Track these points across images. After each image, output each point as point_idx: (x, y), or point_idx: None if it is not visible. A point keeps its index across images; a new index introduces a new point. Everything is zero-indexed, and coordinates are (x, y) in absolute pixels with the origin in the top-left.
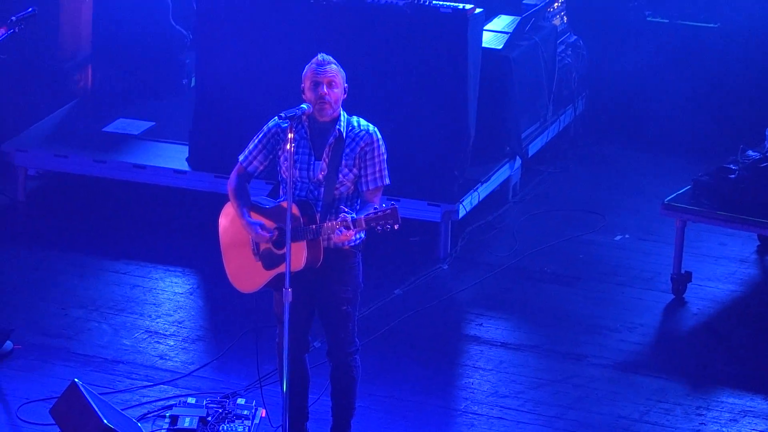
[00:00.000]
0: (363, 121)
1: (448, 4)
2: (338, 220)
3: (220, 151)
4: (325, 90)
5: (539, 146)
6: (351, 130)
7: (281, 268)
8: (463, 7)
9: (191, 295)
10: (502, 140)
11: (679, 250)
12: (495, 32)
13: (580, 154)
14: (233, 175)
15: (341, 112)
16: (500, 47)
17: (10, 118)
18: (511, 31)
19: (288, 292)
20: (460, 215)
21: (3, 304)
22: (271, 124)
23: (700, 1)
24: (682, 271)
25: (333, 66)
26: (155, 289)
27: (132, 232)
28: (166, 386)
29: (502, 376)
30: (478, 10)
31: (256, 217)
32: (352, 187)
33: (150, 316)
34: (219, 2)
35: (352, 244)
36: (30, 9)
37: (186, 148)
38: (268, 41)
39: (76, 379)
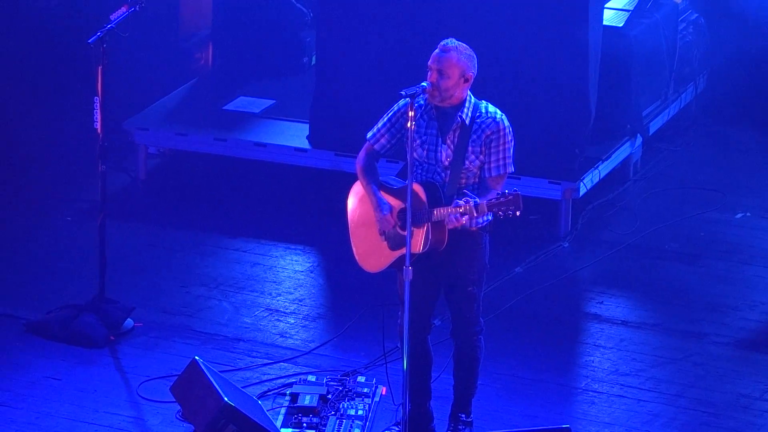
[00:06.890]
0: (491, 107)
1: None
2: (459, 205)
3: (341, 129)
4: (435, 77)
5: (660, 124)
6: (478, 116)
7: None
8: None
9: (311, 273)
10: (622, 118)
11: None
12: (616, 10)
13: (700, 132)
14: (362, 154)
15: (468, 97)
16: (621, 25)
17: (131, 96)
18: (632, 8)
19: (408, 271)
20: (581, 193)
21: (124, 282)
22: (401, 102)
23: None
24: None
25: (453, 54)
26: (275, 267)
27: (252, 210)
28: (286, 364)
29: (622, 354)
30: None
31: (384, 196)
32: (479, 173)
33: (270, 294)
34: None
35: (480, 225)
36: None
37: (306, 127)
38: (390, 20)
39: (196, 357)
